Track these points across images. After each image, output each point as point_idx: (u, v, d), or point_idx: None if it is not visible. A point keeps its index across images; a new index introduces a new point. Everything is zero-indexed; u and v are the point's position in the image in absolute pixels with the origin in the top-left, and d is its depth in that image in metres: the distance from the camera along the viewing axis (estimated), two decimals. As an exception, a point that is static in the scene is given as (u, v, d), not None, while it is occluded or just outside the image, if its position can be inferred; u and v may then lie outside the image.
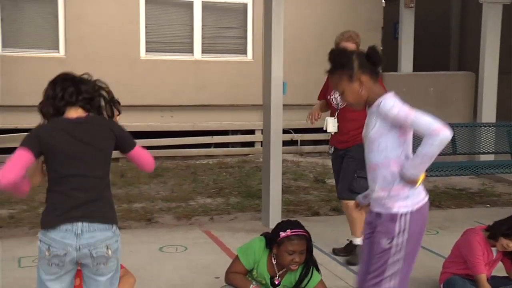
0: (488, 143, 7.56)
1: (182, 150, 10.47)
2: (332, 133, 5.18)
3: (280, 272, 3.87)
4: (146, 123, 10.32)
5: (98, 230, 2.73)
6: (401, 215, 2.98)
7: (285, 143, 8.47)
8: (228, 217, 6.75)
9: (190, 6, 10.79)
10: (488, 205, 7.56)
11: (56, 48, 10.09)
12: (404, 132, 2.96)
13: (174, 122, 10.54)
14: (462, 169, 7.23)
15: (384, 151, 2.99)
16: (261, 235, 3.98)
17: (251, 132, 11.09)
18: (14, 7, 9.97)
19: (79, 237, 2.69)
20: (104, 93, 2.91)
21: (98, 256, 2.73)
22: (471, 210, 7.30)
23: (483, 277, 4.12)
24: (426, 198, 3.10)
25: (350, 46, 5.01)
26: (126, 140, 2.90)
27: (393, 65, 12.04)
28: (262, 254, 3.86)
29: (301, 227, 3.88)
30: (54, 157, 2.76)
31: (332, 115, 5.24)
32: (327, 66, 3.13)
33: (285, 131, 6.26)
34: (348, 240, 5.36)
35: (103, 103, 2.91)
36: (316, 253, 4.16)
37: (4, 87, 9.61)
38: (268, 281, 3.87)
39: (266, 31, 6.06)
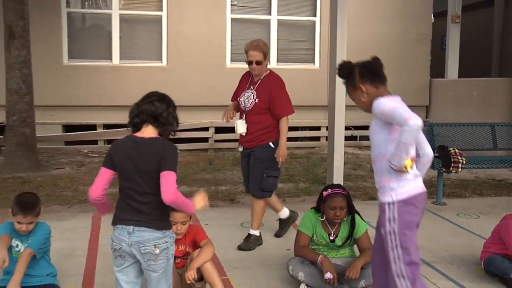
0: (525, 140, 7.21)
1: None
2: (243, 134, 4.73)
3: (333, 229, 3.88)
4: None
5: (146, 231, 2.71)
6: (388, 204, 2.81)
7: (346, 138, 8.34)
8: (297, 199, 6.74)
9: (267, 23, 10.81)
10: (525, 194, 7.20)
11: (160, 59, 10.35)
12: (396, 131, 2.75)
13: (254, 120, 10.57)
14: (501, 163, 6.95)
15: (378, 147, 2.85)
16: (310, 208, 4.02)
17: (317, 128, 10.99)
18: (129, 27, 10.33)
19: (131, 235, 2.71)
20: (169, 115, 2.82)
21: (145, 252, 2.71)
22: (509, 198, 6.94)
23: (520, 257, 3.93)
24: (417, 191, 2.83)
25: (257, 54, 4.65)
26: (164, 164, 2.70)
27: (441, 73, 11.66)
28: (316, 219, 3.91)
29: (341, 187, 3.87)
30: (118, 170, 2.80)
31: (240, 117, 4.78)
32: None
33: (346, 128, 6.16)
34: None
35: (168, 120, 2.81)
36: (371, 231, 4.08)
37: (120, 91, 9.95)
38: (328, 239, 3.89)
39: (332, 43, 5.99)
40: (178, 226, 3.55)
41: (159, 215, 2.75)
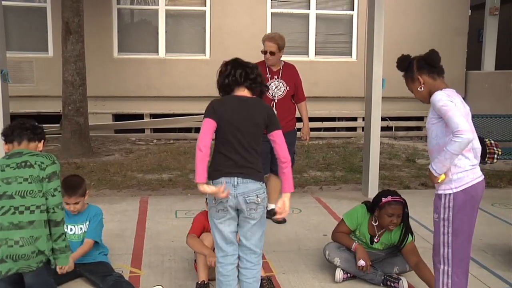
0: None
1: (298, 132, 10.45)
2: None
3: (379, 232, 3.76)
4: (270, 110, 10.40)
5: (250, 183, 2.80)
6: (445, 195, 2.81)
7: (382, 129, 8.21)
8: (334, 187, 6.69)
9: (306, 17, 10.70)
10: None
11: (203, 52, 10.41)
12: None
13: (292, 110, 10.52)
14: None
15: (435, 138, 2.84)
16: (362, 203, 3.89)
17: (354, 119, 10.86)
18: (174, 22, 10.41)
19: (236, 187, 2.79)
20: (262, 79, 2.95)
21: (250, 202, 2.80)
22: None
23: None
24: (474, 181, 2.82)
25: (272, 45, 4.84)
26: (272, 122, 2.87)
27: (477, 65, 11.32)
28: (364, 218, 3.78)
29: (399, 195, 3.74)
30: (221, 124, 2.82)
31: None
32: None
33: (382, 118, 6.06)
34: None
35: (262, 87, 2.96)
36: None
37: (165, 82, 10.08)
38: (368, 240, 3.79)
39: (369, 37, 5.89)
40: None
41: (259, 168, 2.86)
